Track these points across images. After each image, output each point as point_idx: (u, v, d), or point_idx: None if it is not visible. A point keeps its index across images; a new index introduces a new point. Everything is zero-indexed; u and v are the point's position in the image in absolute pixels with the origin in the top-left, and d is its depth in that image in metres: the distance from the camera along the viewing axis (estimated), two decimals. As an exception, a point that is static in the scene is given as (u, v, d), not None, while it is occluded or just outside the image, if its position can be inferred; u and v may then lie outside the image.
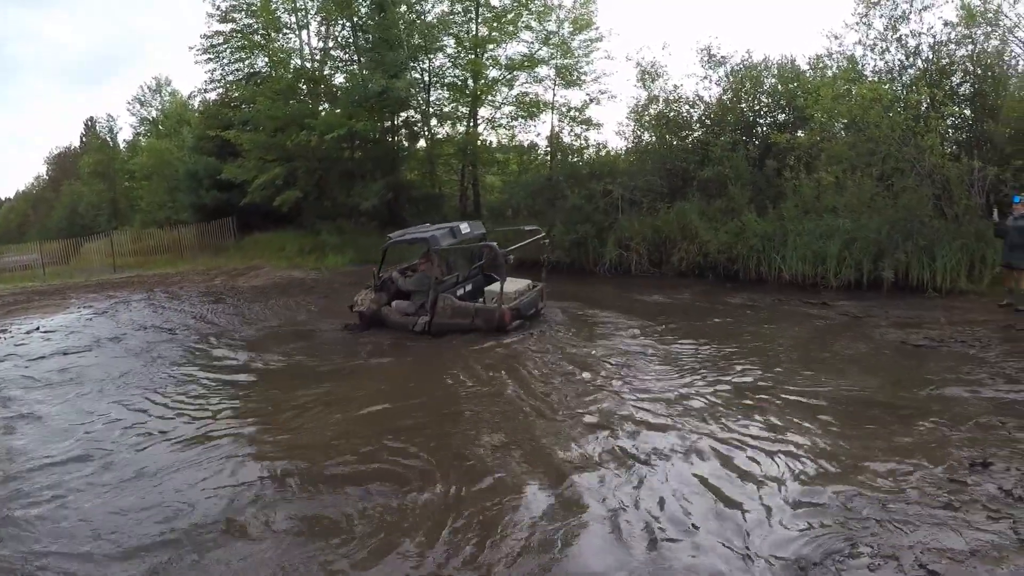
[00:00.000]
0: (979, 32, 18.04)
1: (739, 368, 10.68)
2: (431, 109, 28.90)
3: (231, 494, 7.18)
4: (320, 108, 28.99)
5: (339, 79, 30.20)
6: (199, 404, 10.36)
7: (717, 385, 9.87)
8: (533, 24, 26.88)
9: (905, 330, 12.52)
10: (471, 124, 28.46)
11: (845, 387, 9.50)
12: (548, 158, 27.26)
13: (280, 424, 9.27)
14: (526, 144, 28.53)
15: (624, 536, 5.96)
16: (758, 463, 7.20)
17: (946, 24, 18.41)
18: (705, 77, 22.47)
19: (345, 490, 7.08)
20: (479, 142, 28.25)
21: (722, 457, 7.42)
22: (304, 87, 29.57)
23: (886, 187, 17.37)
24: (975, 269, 15.51)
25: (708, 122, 22.24)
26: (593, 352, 11.97)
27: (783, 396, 9.25)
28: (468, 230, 14.82)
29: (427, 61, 28.20)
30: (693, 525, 6.05)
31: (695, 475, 7.02)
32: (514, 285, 14.18)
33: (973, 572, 5.08)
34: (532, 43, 27.25)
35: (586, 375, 10.67)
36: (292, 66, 29.71)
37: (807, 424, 8.17)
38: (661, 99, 22.90)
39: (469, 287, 14.87)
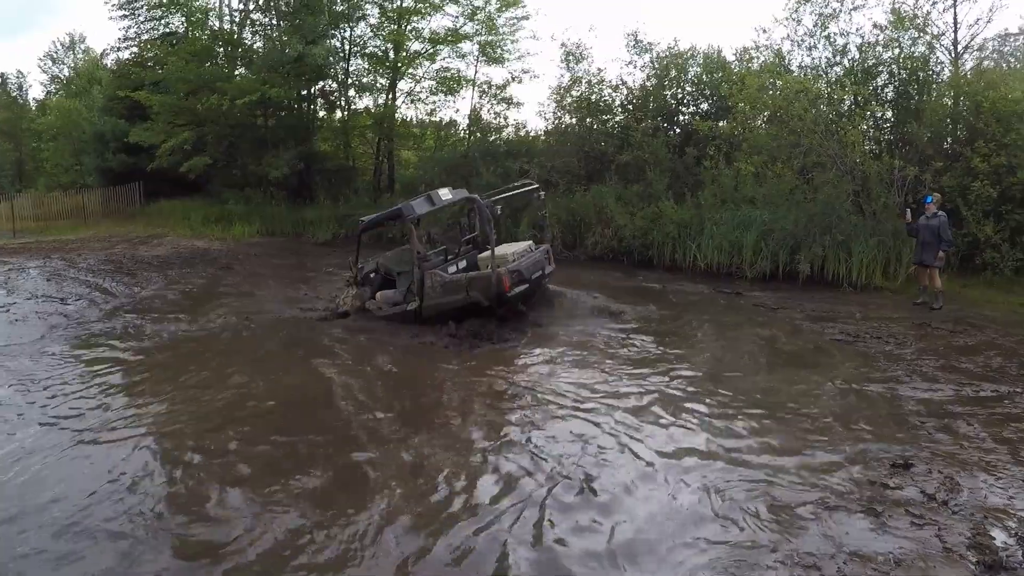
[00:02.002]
0: (906, 37, 18.11)
1: (648, 360, 10.19)
2: (349, 79, 27.79)
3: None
4: (235, 72, 27.52)
5: (256, 43, 28.83)
6: (81, 383, 9.40)
7: (624, 379, 9.31)
8: (459, -2, 26.04)
9: (821, 324, 12.21)
10: (390, 97, 27.43)
11: (757, 382, 9.13)
12: (466, 135, 26.44)
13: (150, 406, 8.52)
14: (444, 120, 27.73)
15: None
16: (667, 461, 6.77)
17: (875, 26, 18.56)
18: (630, 62, 22.10)
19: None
20: (397, 116, 27.27)
21: (626, 456, 6.92)
22: (220, 50, 28.09)
23: (806, 180, 17.18)
24: (891, 266, 15.42)
25: (630, 107, 21.76)
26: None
27: (694, 391, 8.81)
28: (449, 197, 12.48)
29: (348, 29, 27.02)
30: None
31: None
32: (512, 247, 12.27)
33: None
34: (457, 17, 26.37)
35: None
36: (209, 27, 28.23)
37: (717, 422, 7.72)
38: (584, 81, 22.37)
39: (463, 263, 12.72)
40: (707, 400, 8.42)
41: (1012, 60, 18.84)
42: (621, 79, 22.19)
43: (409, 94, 27.61)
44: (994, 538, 5.18)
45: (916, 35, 18.17)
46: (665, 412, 8.02)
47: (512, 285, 11.08)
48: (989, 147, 15.33)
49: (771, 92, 18.11)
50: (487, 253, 11.56)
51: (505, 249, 11.92)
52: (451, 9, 26.25)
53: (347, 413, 8.12)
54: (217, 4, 28.44)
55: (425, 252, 12.23)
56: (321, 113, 28.92)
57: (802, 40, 19.39)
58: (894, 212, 15.83)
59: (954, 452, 6.78)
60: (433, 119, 27.66)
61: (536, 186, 13.77)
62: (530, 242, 13.08)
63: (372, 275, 12.85)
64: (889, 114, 18.40)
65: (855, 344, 10.96)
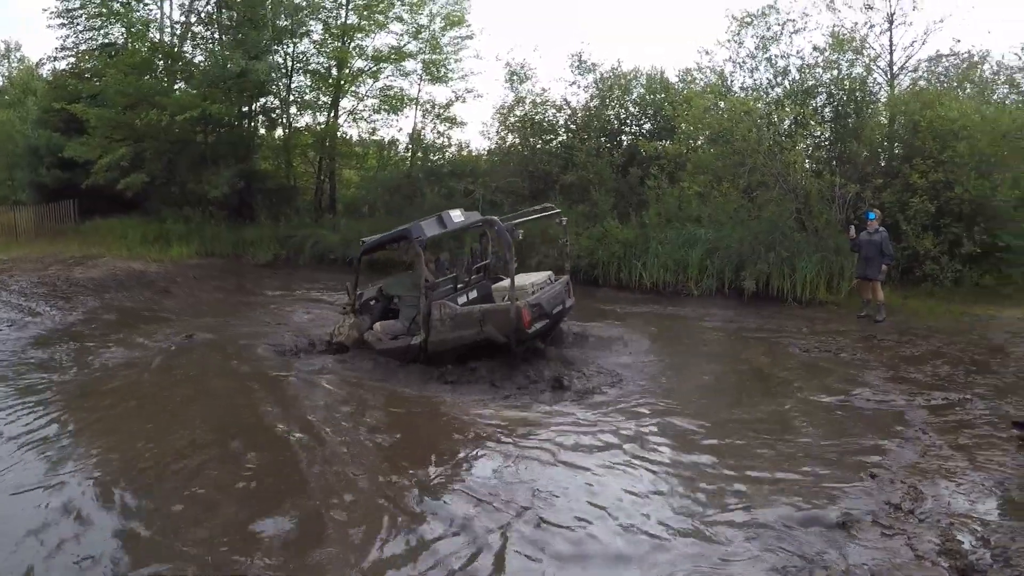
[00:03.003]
0: (845, 59, 18.48)
1: (592, 379, 10.04)
2: (291, 96, 27.29)
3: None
4: (175, 87, 26.74)
5: (198, 57, 28.02)
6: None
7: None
8: (404, 16, 25.82)
9: (769, 339, 12.28)
10: (332, 115, 27.08)
11: (709, 398, 9.13)
12: (408, 155, 26.22)
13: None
14: (387, 139, 27.42)
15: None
16: (625, 479, 6.73)
17: (815, 48, 18.88)
18: (574, 82, 21.98)
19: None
20: (339, 134, 26.90)
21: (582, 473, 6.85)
22: (160, 63, 27.37)
23: (750, 199, 17.31)
24: (834, 281, 15.55)
25: (574, 127, 21.74)
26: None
27: (647, 408, 8.74)
28: (461, 219, 11.20)
29: (291, 45, 26.52)
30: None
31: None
32: (530, 278, 10.80)
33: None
34: (401, 36, 26.16)
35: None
36: (149, 39, 27.52)
37: (668, 439, 7.71)
38: (528, 101, 22.30)
39: (473, 293, 11.44)
40: (668, 417, 8.34)
41: (945, 80, 19.30)
42: (565, 99, 22.18)
43: (352, 112, 27.26)
44: (962, 543, 5.22)
45: (854, 57, 18.55)
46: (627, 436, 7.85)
47: (532, 320, 9.84)
48: (927, 164, 15.69)
49: (715, 113, 18.21)
50: (503, 283, 10.49)
51: (522, 280, 10.48)
52: (395, 27, 26.10)
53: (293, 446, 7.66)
54: (158, 16, 27.76)
55: (433, 280, 10.83)
56: (262, 130, 28.26)
57: (744, 62, 19.61)
58: (836, 228, 16.06)
59: (914, 461, 6.82)
60: (375, 138, 27.31)
61: (557, 211, 12.25)
62: (550, 272, 11.67)
63: (372, 303, 11.54)
64: (828, 133, 18.66)
65: (805, 358, 11.03)
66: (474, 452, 7.50)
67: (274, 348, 11.90)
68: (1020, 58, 19.27)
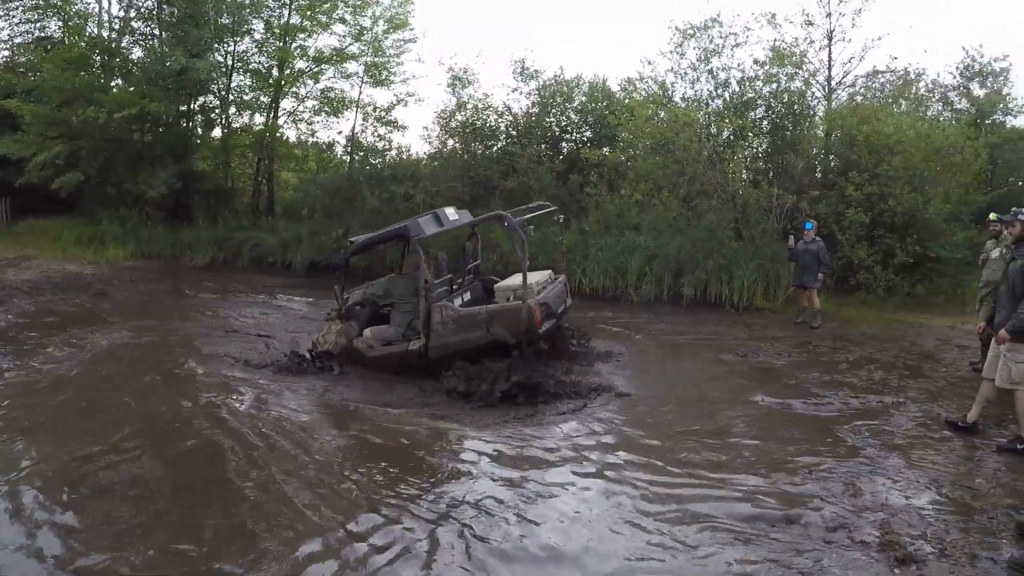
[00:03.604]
0: (784, 73, 18.77)
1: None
2: (231, 96, 26.62)
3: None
4: (112, 84, 25.87)
5: (137, 54, 27.10)
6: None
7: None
8: (347, 17, 25.36)
9: (708, 345, 12.27)
10: (271, 116, 26.57)
11: (651, 404, 8.96)
12: (348, 157, 25.88)
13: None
14: (326, 141, 26.93)
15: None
16: (569, 493, 6.43)
17: (756, 62, 19.14)
18: (516, 89, 21.89)
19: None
20: (278, 135, 26.33)
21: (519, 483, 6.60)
22: (98, 58, 26.51)
23: (689, 208, 17.37)
24: (770, 288, 15.69)
25: (515, 133, 21.65)
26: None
27: (588, 415, 8.55)
28: (456, 217, 10.74)
29: (232, 44, 25.78)
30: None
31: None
32: (532, 276, 9.97)
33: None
34: (344, 37, 25.70)
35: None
36: (87, 34, 26.64)
37: (624, 447, 7.52)
38: (470, 106, 22.14)
39: (467, 295, 10.94)
40: (610, 423, 8.23)
41: (881, 95, 19.69)
42: (507, 105, 22.07)
43: (291, 114, 26.74)
44: (900, 534, 5.32)
45: (793, 71, 18.87)
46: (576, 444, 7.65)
47: (542, 320, 9.40)
48: (862, 177, 15.98)
49: (656, 122, 18.30)
50: (506, 283, 10.23)
51: (517, 280, 9.83)
52: (338, 28, 25.61)
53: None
54: (97, 10, 26.85)
55: (433, 280, 10.27)
56: (200, 130, 27.53)
57: (686, 73, 19.67)
58: (772, 237, 16.25)
59: (852, 461, 6.92)
60: (315, 140, 26.87)
61: (554, 208, 11.78)
62: (549, 272, 11.22)
63: (358, 308, 10.86)
64: (766, 145, 18.93)
65: (744, 363, 11.03)
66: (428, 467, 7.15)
67: (231, 358, 10.98)
68: (955, 77, 19.85)
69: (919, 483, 6.37)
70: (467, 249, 11.97)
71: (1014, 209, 7.24)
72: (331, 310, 10.78)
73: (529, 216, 10.15)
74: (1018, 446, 7.08)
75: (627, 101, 20.25)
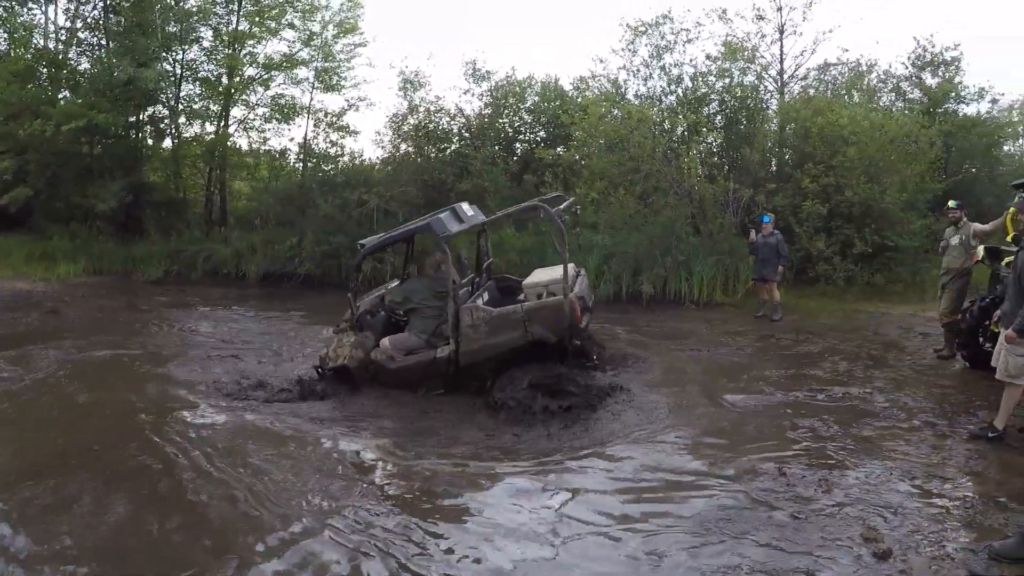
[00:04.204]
0: (737, 67, 18.73)
1: None
2: (180, 105, 25.86)
3: None
4: (60, 96, 25.11)
5: (84, 65, 26.32)
6: None
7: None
8: (296, 23, 24.71)
9: (669, 341, 11.96)
10: (222, 124, 25.90)
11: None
12: (300, 165, 25.31)
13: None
14: (278, 149, 26.30)
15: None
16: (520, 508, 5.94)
17: (708, 57, 19.08)
18: (468, 91, 21.49)
19: None
20: (229, 144, 25.60)
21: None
22: (44, 70, 25.70)
23: (646, 205, 17.11)
24: (729, 282, 15.51)
25: (468, 135, 21.23)
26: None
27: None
28: (472, 214, 9.84)
29: (181, 52, 25.02)
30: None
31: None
32: (557, 271, 8.84)
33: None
34: (293, 43, 24.99)
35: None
36: (33, 46, 25.82)
37: (591, 448, 7.14)
38: (422, 109, 21.68)
39: (485, 296, 9.74)
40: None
41: (834, 87, 19.70)
42: (459, 107, 21.64)
43: (242, 122, 26.03)
44: (878, 528, 5.13)
45: (746, 66, 18.86)
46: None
47: (581, 314, 8.64)
48: (818, 169, 15.93)
49: (609, 120, 18.10)
50: (534, 279, 9.35)
51: (542, 276, 9.46)
52: (288, 34, 24.88)
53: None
54: (43, 21, 26.09)
55: (460, 281, 9.10)
56: (150, 141, 26.75)
57: (638, 70, 19.50)
58: (730, 232, 16.07)
59: (822, 456, 6.71)
60: (267, 148, 26.22)
61: (571, 199, 10.64)
62: (572, 264, 9.54)
63: (370, 317, 9.58)
64: (721, 140, 18.85)
65: (707, 359, 10.73)
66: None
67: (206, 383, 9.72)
68: (907, 67, 19.88)
69: (892, 475, 6.16)
70: (480, 247, 10.89)
71: (1020, 196, 6.96)
72: (342, 321, 9.46)
73: (565, 205, 9.50)
74: (989, 434, 6.86)
75: (580, 100, 19.96)
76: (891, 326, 12.63)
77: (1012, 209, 8.89)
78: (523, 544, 5.18)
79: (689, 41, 19.10)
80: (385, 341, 8.93)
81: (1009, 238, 9.15)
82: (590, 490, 6.07)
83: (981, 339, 9.34)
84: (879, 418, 7.72)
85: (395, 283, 10.19)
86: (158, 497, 6.03)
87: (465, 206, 9.82)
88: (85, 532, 5.37)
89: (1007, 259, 8.38)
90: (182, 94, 25.58)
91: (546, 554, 5.01)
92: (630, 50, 19.54)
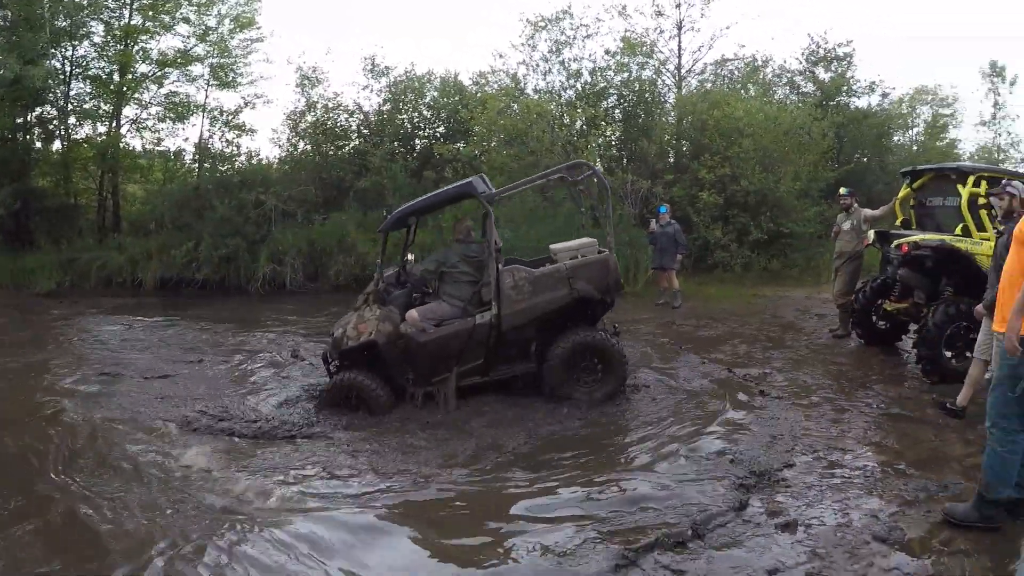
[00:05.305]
0: (635, 62, 18.61)
1: None
2: (70, 105, 24.40)
3: None
4: (-56, 98, 23.59)
5: (-36, 64, 24.87)
6: None
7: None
8: (191, 17, 23.37)
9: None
10: (114, 125, 24.52)
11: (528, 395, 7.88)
12: (196, 166, 24.18)
13: None
14: (173, 150, 25.04)
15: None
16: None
17: (607, 52, 18.87)
18: (366, 86, 20.77)
19: None
20: (122, 145, 24.26)
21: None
22: (-76, 71, 24.04)
23: (546, 198, 16.88)
24: (630, 272, 15.14)
25: (367, 132, 20.52)
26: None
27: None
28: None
29: (70, 48, 23.64)
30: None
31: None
32: (574, 243, 8.48)
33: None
34: (188, 38, 23.60)
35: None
36: (-86, 45, 24.09)
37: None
38: (320, 106, 20.88)
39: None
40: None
41: (730, 82, 19.83)
42: (357, 103, 20.88)
43: (135, 122, 24.72)
44: (782, 502, 5.06)
45: (644, 60, 18.79)
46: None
47: None
48: (714, 160, 15.90)
49: (509, 115, 17.79)
50: (562, 245, 8.51)
51: (566, 244, 8.62)
52: (182, 29, 23.56)
53: None
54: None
55: (500, 244, 8.10)
56: (38, 144, 25.18)
57: (537, 65, 19.22)
58: (629, 223, 15.89)
59: (726, 435, 6.52)
60: (161, 149, 24.95)
61: (593, 169, 9.26)
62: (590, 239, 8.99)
63: (392, 291, 8.49)
64: (619, 133, 18.67)
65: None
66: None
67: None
68: (801, 62, 20.12)
69: (795, 450, 6.04)
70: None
71: (1004, 181, 6.70)
72: (365, 294, 8.43)
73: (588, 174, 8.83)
74: (947, 404, 6.80)
75: (479, 95, 19.52)
76: (788, 309, 12.67)
77: (901, 194, 9.47)
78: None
79: (589, 36, 18.99)
80: (412, 313, 7.98)
81: (898, 222, 9.62)
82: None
83: (874, 318, 9.67)
84: (780, 397, 7.60)
85: (392, 270, 9.01)
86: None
87: (484, 177, 9.04)
88: None
89: (896, 242, 8.38)
90: (72, 93, 23.94)
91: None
92: (530, 45, 19.32)
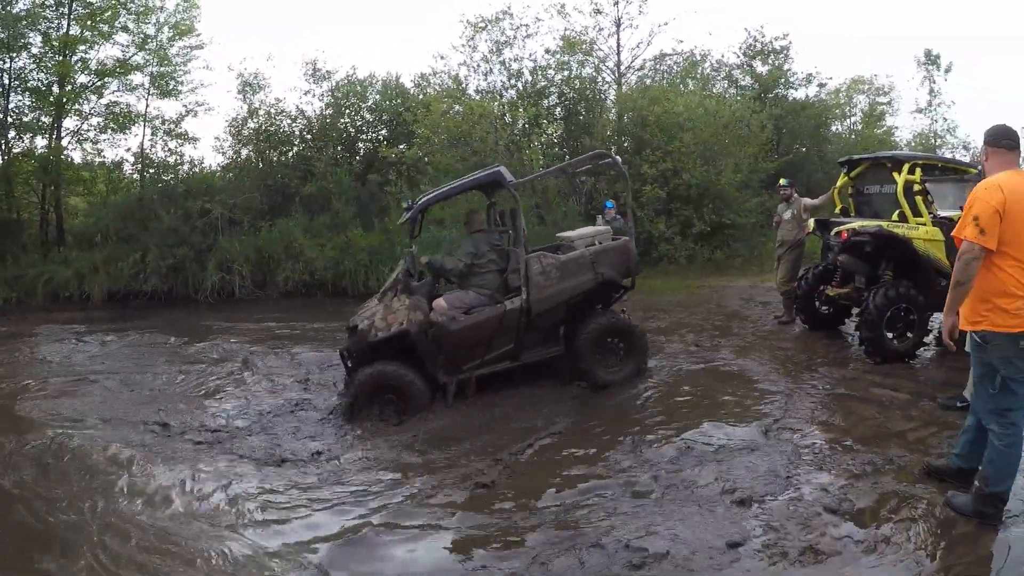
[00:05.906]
0: (575, 60, 18.52)
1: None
2: (9, 118, 23.73)
3: None
4: None
5: None
6: None
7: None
8: (130, 26, 22.81)
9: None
10: (54, 137, 23.89)
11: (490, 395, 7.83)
12: (139, 176, 23.63)
13: None
14: (115, 160, 24.40)
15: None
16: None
17: (547, 51, 18.80)
18: (308, 91, 20.45)
19: None
20: (63, 158, 23.70)
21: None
22: None
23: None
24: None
25: (310, 137, 20.28)
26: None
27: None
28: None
29: (8, 60, 23.05)
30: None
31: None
32: (587, 229, 8.89)
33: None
34: (127, 47, 23.00)
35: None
36: None
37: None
38: (262, 112, 20.50)
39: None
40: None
41: (669, 77, 19.91)
42: (300, 109, 20.56)
43: (76, 133, 24.08)
44: (736, 481, 5.10)
45: (584, 59, 18.70)
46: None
47: None
48: (656, 155, 15.89)
49: (451, 116, 17.68)
50: (577, 232, 8.74)
51: (579, 232, 8.81)
52: (121, 38, 23.01)
53: None
54: None
55: (523, 228, 8.18)
56: (-23, 160, 24.38)
57: (478, 66, 19.09)
58: (575, 220, 15.68)
59: (678, 422, 6.54)
60: (102, 160, 24.33)
61: (615, 158, 9.31)
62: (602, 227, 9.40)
63: (415, 282, 8.35)
64: (561, 131, 18.69)
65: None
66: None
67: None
68: (738, 56, 20.27)
69: (745, 432, 6.10)
70: (501, 213, 9.75)
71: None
72: (393, 282, 8.21)
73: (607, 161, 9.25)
74: (958, 403, 6.55)
75: (422, 97, 19.37)
76: (733, 298, 12.73)
77: (839, 183, 9.57)
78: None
79: (528, 36, 18.90)
80: (440, 302, 7.91)
81: (837, 210, 9.69)
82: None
83: (817, 303, 9.76)
84: (728, 383, 7.67)
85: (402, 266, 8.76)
86: None
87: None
88: None
89: (835, 229, 8.52)
90: (11, 106, 23.25)
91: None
92: (470, 46, 19.16)
